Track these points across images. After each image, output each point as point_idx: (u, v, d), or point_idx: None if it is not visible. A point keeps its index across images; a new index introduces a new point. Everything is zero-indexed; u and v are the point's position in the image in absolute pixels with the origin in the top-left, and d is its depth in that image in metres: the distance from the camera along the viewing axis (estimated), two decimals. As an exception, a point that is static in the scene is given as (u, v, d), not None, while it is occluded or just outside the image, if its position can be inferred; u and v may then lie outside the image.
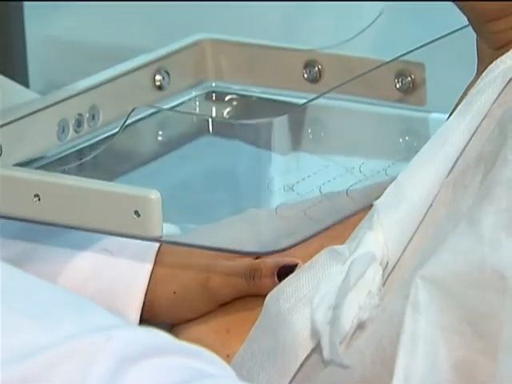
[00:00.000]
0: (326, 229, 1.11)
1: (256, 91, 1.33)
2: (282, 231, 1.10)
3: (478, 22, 1.09)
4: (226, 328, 1.19)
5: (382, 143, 1.17)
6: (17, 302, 0.85)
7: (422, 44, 1.20)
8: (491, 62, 1.05)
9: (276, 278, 1.16)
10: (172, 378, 0.81)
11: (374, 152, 1.15)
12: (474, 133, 1.03)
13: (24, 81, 1.79)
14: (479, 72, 1.08)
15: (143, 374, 0.80)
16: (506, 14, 1.06)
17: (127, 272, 1.27)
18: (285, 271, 1.16)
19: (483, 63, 1.08)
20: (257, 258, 1.20)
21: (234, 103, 1.34)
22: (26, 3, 2.31)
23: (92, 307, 0.87)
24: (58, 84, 2.27)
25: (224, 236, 1.19)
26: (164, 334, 0.86)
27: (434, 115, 1.28)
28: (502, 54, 1.05)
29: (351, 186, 1.11)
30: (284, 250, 1.09)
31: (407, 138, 1.23)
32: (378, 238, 1.02)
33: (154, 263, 1.25)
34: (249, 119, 1.23)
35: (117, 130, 1.19)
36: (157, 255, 1.24)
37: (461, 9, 1.07)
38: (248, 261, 1.21)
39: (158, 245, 1.24)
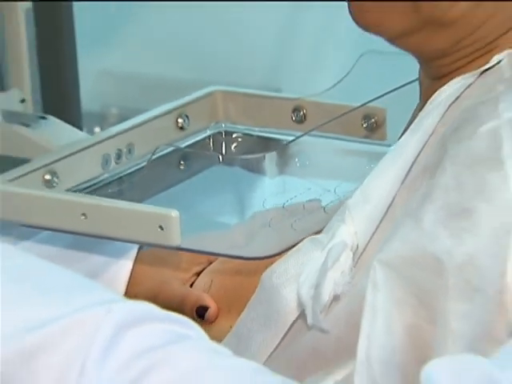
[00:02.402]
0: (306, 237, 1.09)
1: (256, 130, 1.32)
2: (273, 240, 1.09)
3: (423, 60, 1.10)
4: (228, 308, 1.18)
5: (353, 170, 1.15)
6: (35, 282, 0.87)
7: (384, 92, 1.21)
8: (431, 89, 1.05)
9: (195, 314, 1.18)
10: (159, 339, 0.82)
11: (346, 177, 1.13)
12: (423, 147, 1.03)
13: (77, 113, 1.74)
14: (422, 97, 1.10)
15: (136, 338, 0.81)
16: (444, 55, 1.06)
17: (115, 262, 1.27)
18: (200, 311, 1.19)
19: (425, 91, 1.10)
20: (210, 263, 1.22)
21: (239, 140, 1.33)
22: (78, 38, 2.15)
23: (95, 286, 0.89)
24: (109, 114, 2.22)
25: (227, 241, 1.17)
26: (152, 305, 0.86)
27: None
28: (440, 84, 1.04)
29: (328, 204, 1.11)
30: (274, 256, 1.07)
31: (372, 165, 1.13)
32: (350, 229, 1.02)
33: (135, 262, 1.26)
34: (250, 154, 1.26)
35: (145, 163, 1.21)
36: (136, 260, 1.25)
37: (409, 50, 1.08)
38: (181, 292, 1.22)
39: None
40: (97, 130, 2.20)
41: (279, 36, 2.19)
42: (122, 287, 1.25)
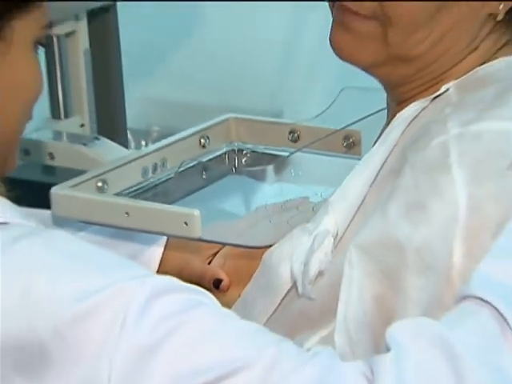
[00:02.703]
0: None
1: (261, 148, 1.39)
2: (271, 233, 1.15)
3: (389, 87, 1.15)
4: (237, 281, 1.24)
5: (335, 178, 1.16)
6: (89, 260, 0.95)
7: (359, 118, 1.28)
8: (395, 111, 1.12)
9: (212, 285, 1.28)
10: (180, 305, 0.90)
11: (330, 184, 1.17)
12: (388, 156, 1.09)
13: (123, 133, 1.77)
14: (388, 117, 1.16)
15: (163, 304, 0.89)
16: (405, 83, 1.11)
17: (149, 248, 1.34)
18: (216, 282, 1.28)
19: (390, 112, 1.15)
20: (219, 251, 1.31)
21: (248, 156, 1.39)
22: (124, 66, 2.12)
23: (133, 264, 0.97)
24: (152, 131, 2.24)
25: (236, 231, 1.24)
26: (176, 279, 0.94)
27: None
28: (402, 107, 1.11)
29: (315, 205, 1.17)
30: (271, 245, 1.14)
31: None
32: (331, 220, 1.08)
33: (164, 248, 1.33)
34: (255, 167, 1.33)
35: (173, 174, 1.30)
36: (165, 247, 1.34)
37: (378, 78, 1.14)
38: (201, 268, 1.31)
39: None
40: (143, 143, 2.20)
41: (282, 67, 2.15)
42: (156, 266, 1.31)
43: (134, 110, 2.29)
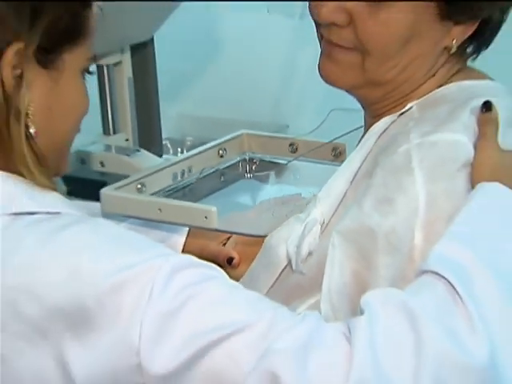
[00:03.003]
0: None
1: (267, 157, 1.44)
2: (272, 224, 1.20)
3: (366, 105, 1.19)
4: (245, 259, 1.26)
5: (325, 181, 1.20)
6: (126, 241, 1.00)
7: (344, 133, 1.33)
8: (370, 124, 1.16)
9: (226, 262, 1.31)
10: (197, 278, 0.94)
11: (321, 185, 1.19)
12: (364, 160, 1.13)
13: (159, 145, 1.75)
14: (365, 129, 1.19)
15: (182, 277, 0.94)
16: (378, 102, 1.17)
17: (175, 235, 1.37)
18: (229, 260, 1.31)
19: (366, 125, 1.19)
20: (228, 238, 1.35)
21: (257, 163, 1.44)
22: (163, 89, 2.11)
23: (159, 245, 1.01)
24: (186, 141, 2.23)
25: (245, 221, 1.28)
26: (193, 257, 0.99)
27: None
28: (375, 121, 1.15)
29: (307, 200, 1.21)
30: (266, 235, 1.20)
31: None
32: (319, 211, 1.13)
33: (187, 235, 1.36)
34: (262, 172, 1.36)
35: (197, 179, 1.36)
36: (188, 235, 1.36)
37: (357, 97, 1.18)
38: (218, 249, 1.35)
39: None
40: (179, 150, 2.20)
41: (289, 90, 2.08)
42: (180, 249, 1.34)
43: (172, 124, 2.36)
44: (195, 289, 0.92)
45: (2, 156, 1.01)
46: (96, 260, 0.94)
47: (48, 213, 1.00)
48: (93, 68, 1.12)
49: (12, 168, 1.01)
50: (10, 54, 0.97)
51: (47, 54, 1.00)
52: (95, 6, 1.05)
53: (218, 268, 0.98)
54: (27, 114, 0.99)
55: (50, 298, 0.93)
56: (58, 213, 1.00)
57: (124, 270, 0.93)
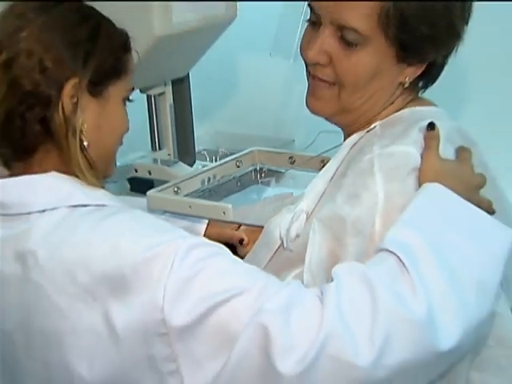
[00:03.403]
0: None
1: (272, 168, 1.47)
2: (269, 216, 1.20)
3: (342, 127, 1.19)
4: (252, 240, 1.26)
5: None
6: (155, 226, 1.01)
7: (329, 149, 1.34)
8: (345, 139, 1.17)
9: (238, 242, 1.35)
10: (208, 254, 0.96)
11: None
12: (340, 165, 1.14)
13: (193, 157, 1.73)
14: (344, 141, 1.19)
15: (197, 253, 0.95)
16: (351, 125, 1.16)
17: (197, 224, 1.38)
18: (240, 241, 1.35)
19: (344, 140, 1.19)
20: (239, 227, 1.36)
21: (264, 172, 1.47)
22: (200, 108, 2.06)
23: (179, 229, 1.02)
24: (219, 151, 2.17)
25: (252, 213, 1.28)
26: (205, 239, 1.02)
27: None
28: (349, 136, 1.16)
29: (298, 196, 1.20)
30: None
31: None
32: (305, 204, 1.13)
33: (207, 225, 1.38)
34: (267, 179, 1.43)
35: (217, 184, 1.41)
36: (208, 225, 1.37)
37: (335, 123, 1.18)
38: (232, 233, 1.37)
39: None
40: (213, 158, 2.15)
41: (297, 112, 1.93)
42: (202, 234, 1.36)
43: (209, 138, 2.32)
44: (206, 262, 0.93)
45: (63, 162, 1.03)
46: (132, 240, 0.95)
47: (97, 205, 1.02)
48: (134, 96, 1.13)
49: (70, 172, 1.03)
50: (69, 87, 1.00)
51: (96, 86, 1.03)
52: (134, 52, 1.08)
53: (224, 247, 0.98)
54: (81, 131, 1.01)
55: (97, 269, 0.94)
56: (104, 205, 1.02)
57: (153, 247, 0.94)
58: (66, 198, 1.01)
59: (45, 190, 1.01)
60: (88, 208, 1.02)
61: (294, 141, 2.07)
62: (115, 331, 0.93)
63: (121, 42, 1.06)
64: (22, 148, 1.03)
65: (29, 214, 1.00)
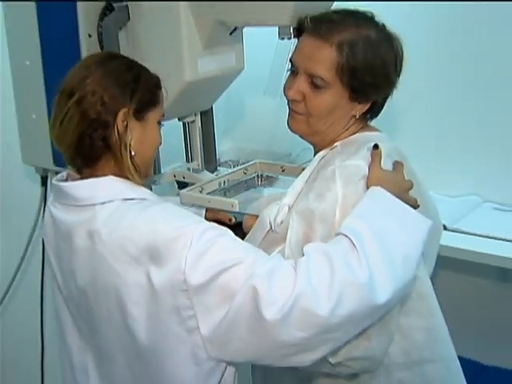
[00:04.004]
0: None
1: (269, 174, 1.50)
2: (264, 207, 1.20)
3: (313, 145, 1.20)
4: (252, 224, 1.24)
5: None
6: (180, 215, 1.02)
7: (308, 159, 1.23)
8: (316, 154, 1.18)
9: (228, 220, 1.33)
10: (216, 234, 0.97)
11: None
12: (312, 172, 1.15)
13: (215, 165, 1.69)
14: (314, 155, 1.18)
15: (208, 234, 0.97)
16: (319, 143, 1.17)
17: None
18: (230, 219, 1.34)
19: (314, 155, 1.19)
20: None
21: (264, 177, 1.50)
22: (223, 133, 2.02)
23: (196, 216, 1.05)
24: (238, 162, 2.07)
25: (252, 207, 1.31)
26: (215, 224, 1.02)
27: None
28: (318, 152, 1.17)
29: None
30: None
31: None
32: (288, 199, 1.14)
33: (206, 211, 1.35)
34: (266, 183, 1.45)
35: (230, 186, 1.43)
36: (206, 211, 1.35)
37: (308, 141, 1.18)
38: (223, 215, 1.35)
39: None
40: (235, 166, 2.00)
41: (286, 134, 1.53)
42: (203, 216, 1.34)
43: (233, 153, 2.31)
44: (215, 240, 0.96)
45: (117, 168, 1.05)
46: (164, 223, 0.98)
47: (140, 198, 1.04)
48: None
49: (122, 175, 1.05)
50: (120, 114, 1.03)
51: (139, 113, 1.05)
52: (163, 89, 1.09)
53: (228, 229, 1.01)
54: (130, 145, 1.04)
55: (140, 243, 0.97)
56: (145, 199, 1.05)
57: (178, 229, 0.97)
58: (119, 194, 1.03)
59: (104, 188, 1.03)
60: (134, 201, 1.03)
61: (290, 154, 2.08)
62: (153, 286, 0.95)
63: (155, 83, 1.07)
64: (90, 158, 1.04)
65: (94, 205, 1.02)
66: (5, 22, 1.47)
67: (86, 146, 1.02)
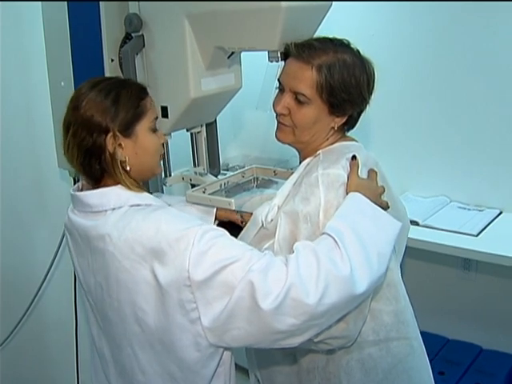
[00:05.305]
0: None
1: (264, 177, 1.48)
2: (258, 206, 1.19)
3: (299, 152, 1.19)
4: (247, 221, 1.22)
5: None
6: (183, 218, 1.00)
7: (296, 166, 1.21)
8: (301, 161, 1.18)
9: (242, 223, 1.29)
10: (216, 235, 0.96)
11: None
12: (298, 178, 1.15)
13: (219, 170, 1.62)
14: (300, 163, 1.19)
15: (208, 235, 0.96)
16: (304, 150, 1.17)
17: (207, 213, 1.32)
18: (241, 221, 1.31)
19: (300, 161, 1.19)
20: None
21: (260, 180, 1.47)
22: (227, 142, 2.07)
23: (198, 220, 1.02)
24: (243, 166, 2.11)
25: (247, 206, 1.29)
26: (214, 226, 1.02)
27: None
28: (303, 160, 1.16)
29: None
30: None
31: None
32: (277, 200, 1.15)
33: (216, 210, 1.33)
34: (260, 183, 1.43)
35: (230, 188, 1.40)
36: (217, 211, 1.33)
37: (295, 148, 1.18)
38: (235, 215, 1.32)
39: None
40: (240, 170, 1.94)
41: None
42: (214, 214, 1.34)
43: (239, 159, 2.31)
44: (214, 240, 0.96)
45: (114, 181, 1.05)
46: (168, 226, 0.97)
47: (146, 204, 1.03)
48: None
49: (123, 186, 1.04)
50: (108, 136, 1.01)
51: (126, 131, 1.02)
52: (149, 98, 1.04)
53: (225, 231, 1.00)
54: (124, 161, 1.02)
55: (147, 243, 0.96)
56: (150, 204, 1.04)
57: (181, 231, 0.96)
58: (126, 201, 1.02)
59: (114, 196, 1.03)
60: (140, 206, 1.03)
61: (287, 160, 2.06)
62: (159, 282, 0.95)
63: (137, 95, 1.02)
64: (94, 177, 1.05)
65: (106, 211, 1.03)
66: (46, 51, 1.53)
67: (87, 170, 1.03)
